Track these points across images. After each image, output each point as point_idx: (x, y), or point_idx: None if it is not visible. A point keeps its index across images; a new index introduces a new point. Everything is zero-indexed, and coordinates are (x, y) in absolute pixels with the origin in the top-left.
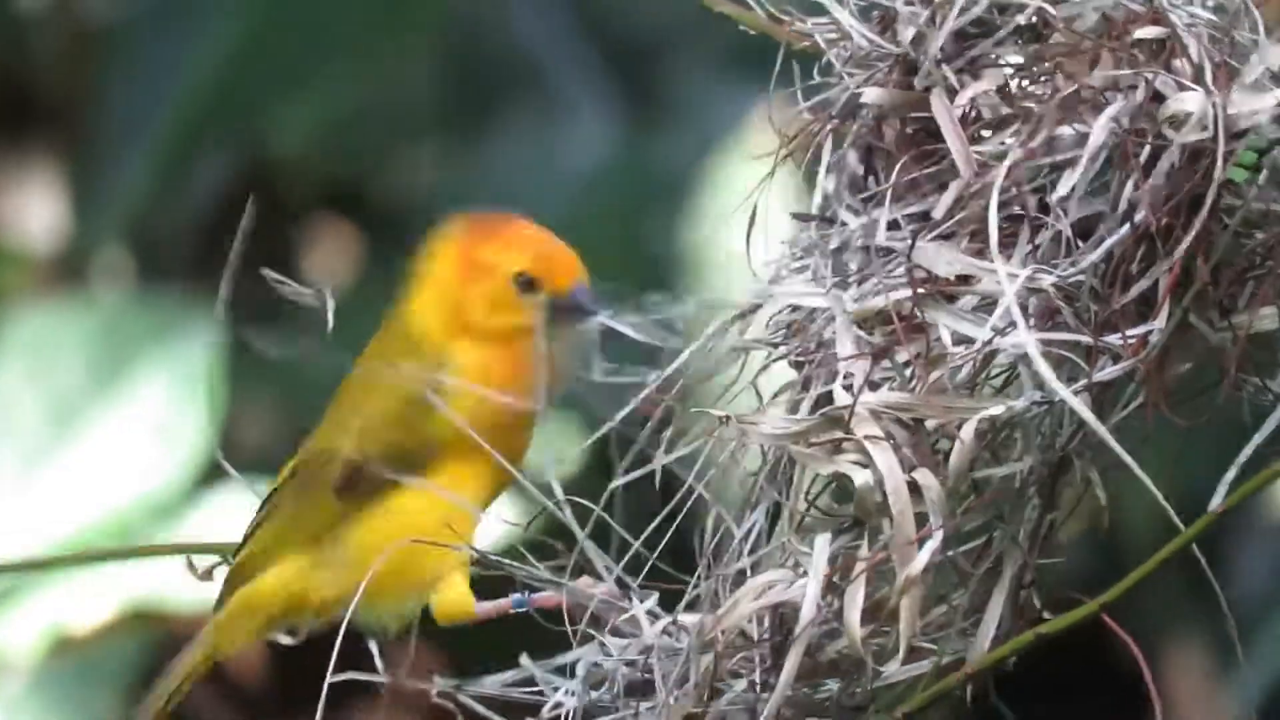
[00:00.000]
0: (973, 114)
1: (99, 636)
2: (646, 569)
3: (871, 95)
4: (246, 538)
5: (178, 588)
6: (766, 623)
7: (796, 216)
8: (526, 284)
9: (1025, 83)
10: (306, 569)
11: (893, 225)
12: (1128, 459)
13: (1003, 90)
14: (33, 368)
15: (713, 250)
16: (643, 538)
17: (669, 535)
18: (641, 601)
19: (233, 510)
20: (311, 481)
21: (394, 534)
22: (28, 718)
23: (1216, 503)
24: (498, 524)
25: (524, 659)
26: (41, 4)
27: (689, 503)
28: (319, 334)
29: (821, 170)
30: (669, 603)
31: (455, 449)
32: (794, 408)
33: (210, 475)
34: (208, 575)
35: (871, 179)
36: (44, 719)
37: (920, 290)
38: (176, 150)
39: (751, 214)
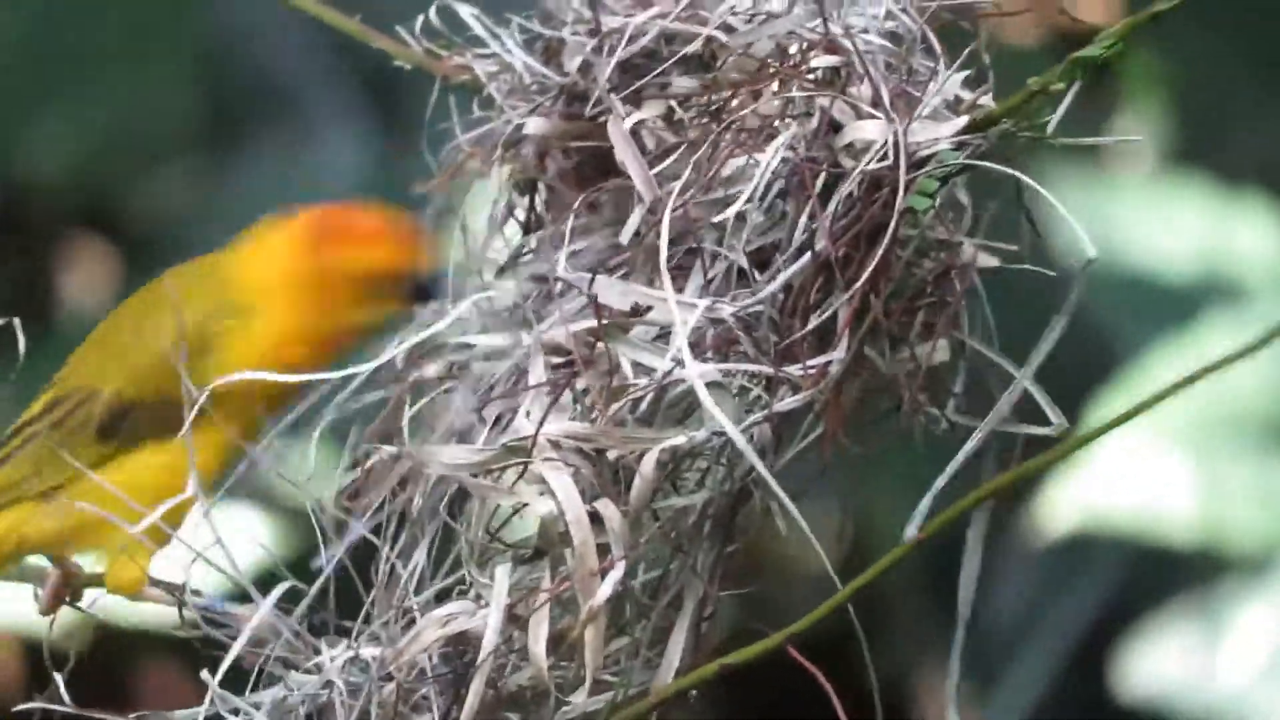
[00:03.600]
0: (638, 142)
1: None
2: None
3: (534, 126)
4: None
5: None
6: (444, 657)
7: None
8: (384, 282)
9: (694, 112)
10: (39, 510)
11: (562, 252)
12: (785, 499)
13: (669, 118)
14: None
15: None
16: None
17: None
18: (320, 636)
19: None
20: (68, 422)
21: (124, 486)
22: None
23: (910, 532)
24: (250, 545)
25: (214, 689)
26: None
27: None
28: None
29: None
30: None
31: (218, 404)
32: (468, 438)
33: None
34: None
35: (534, 212)
36: None
37: (602, 321)
38: None
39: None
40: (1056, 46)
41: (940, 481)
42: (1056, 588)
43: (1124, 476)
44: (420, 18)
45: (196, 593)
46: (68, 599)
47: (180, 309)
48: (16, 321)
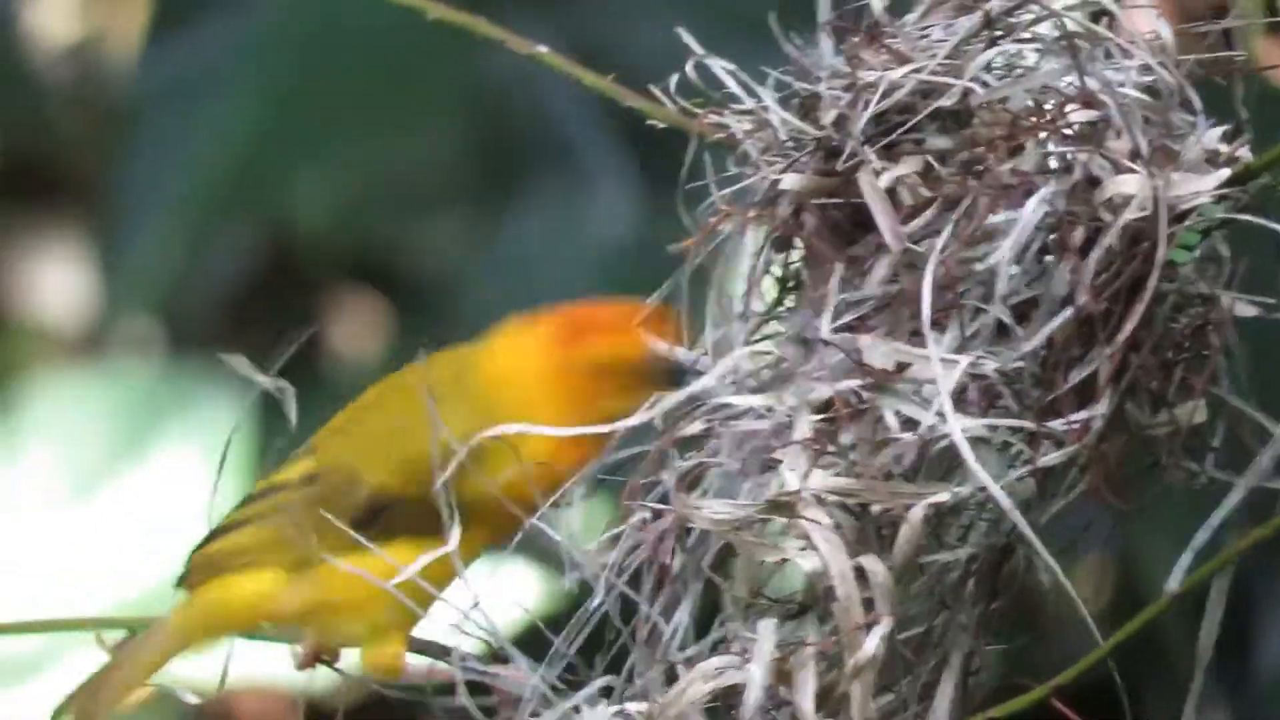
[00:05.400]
0: (894, 199)
1: (125, 713)
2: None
3: (790, 181)
4: (228, 525)
5: (202, 663)
6: (709, 716)
7: (731, 311)
8: (642, 368)
9: (951, 168)
10: (285, 584)
11: (825, 311)
12: (1045, 555)
13: (927, 174)
14: (54, 441)
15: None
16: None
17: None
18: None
19: None
20: (326, 502)
21: (380, 574)
22: None
23: (1172, 585)
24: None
25: None
26: (62, 78)
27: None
28: (343, 403)
29: (747, 262)
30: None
31: (474, 510)
32: (731, 494)
33: None
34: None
35: (797, 268)
36: None
37: (866, 380)
38: (199, 222)
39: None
40: None
41: (1201, 537)
42: None
43: None
44: (675, 76)
45: (463, 658)
46: (325, 659)
47: (442, 413)
48: (290, 389)
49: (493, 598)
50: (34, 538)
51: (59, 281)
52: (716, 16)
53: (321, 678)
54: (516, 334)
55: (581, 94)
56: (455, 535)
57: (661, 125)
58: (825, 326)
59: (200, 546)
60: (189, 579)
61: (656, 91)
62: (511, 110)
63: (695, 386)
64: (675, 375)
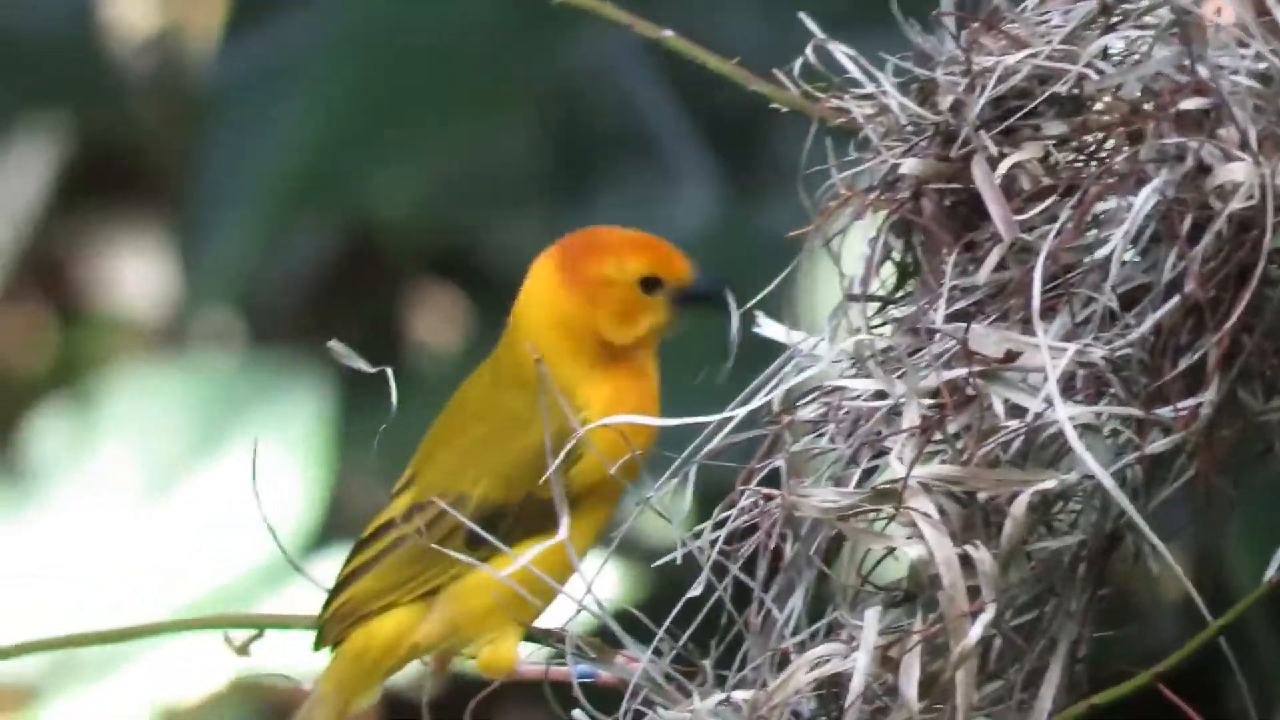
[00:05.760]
0: (1013, 184)
1: (204, 709)
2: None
3: (910, 166)
4: (350, 575)
5: (282, 658)
6: (815, 700)
7: (850, 298)
8: (651, 283)
9: (1067, 154)
10: (421, 616)
11: (938, 299)
12: (1156, 541)
13: (1043, 160)
14: (135, 433)
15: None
16: (674, 621)
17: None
18: (689, 680)
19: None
20: (438, 525)
21: (490, 583)
22: None
23: (1271, 573)
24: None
25: None
26: (142, 71)
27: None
28: (426, 396)
29: (866, 246)
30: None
31: (581, 500)
32: (840, 482)
33: (319, 540)
34: (244, 650)
35: (910, 254)
36: None
37: (974, 368)
38: (278, 215)
39: (808, 292)
40: None
41: None
42: None
43: None
44: (798, 60)
45: (577, 649)
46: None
47: (507, 402)
48: (389, 372)
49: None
50: (113, 532)
51: (139, 274)
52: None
53: (402, 672)
54: (529, 328)
55: (660, 87)
56: (566, 524)
57: (782, 110)
58: (937, 314)
59: (329, 603)
60: (327, 636)
61: (780, 75)
62: (591, 103)
63: (811, 369)
64: (690, 296)
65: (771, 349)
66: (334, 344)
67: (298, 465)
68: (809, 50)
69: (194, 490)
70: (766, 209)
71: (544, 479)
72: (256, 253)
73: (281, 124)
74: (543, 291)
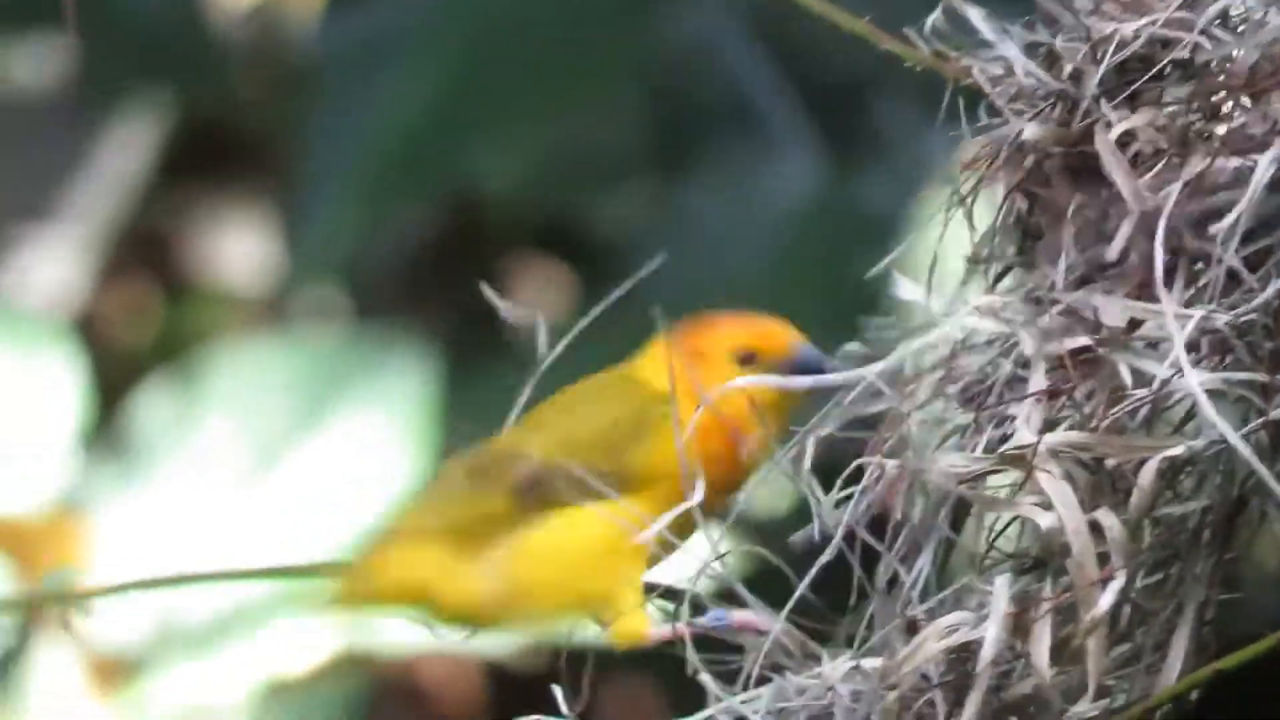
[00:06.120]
0: (1133, 150)
1: (312, 680)
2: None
3: (1032, 131)
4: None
5: (389, 629)
6: (945, 665)
7: (971, 260)
8: (746, 358)
9: (1186, 119)
10: (448, 562)
11: (1060, 266)
12: None
13: (1162, 125)
14: (239, 408)
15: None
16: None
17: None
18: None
19: None
20: (488, 476)
21: (563, 546)
22: None
23: None
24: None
25: (714, 690)
26: (243, 42)
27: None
28: (529, 367)
29: (994, 211)
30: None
31: (647, 485)
32: (965, 449)
33: None
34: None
35: (1032, 219)
36: None
37: (1100, 334)
38: (381, 189)
39: (933, 257)
40: None
41: None
42: None
43: None
44: (929, 19)
45: (698, 607)
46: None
47: (607, 400)
48: (540, 323)
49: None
50: (217, 506)
51: (243, 248)
52: None
53: (502, 644)
54: (658, 352)
55: (763, 59)
56: (700, 490)
57: (917, 69)
58: (1059, 282)
59: (376, 532)
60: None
61: (911, 35)
62: (693, 76)
63: (933, 334)
64: (798, 368)
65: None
66: (485, 287)
67: (402, 438)
68: (939, 10)
69: (298, 464)
70: (868, 181)
71: (616, 454)
72: (360, 227)
73: (384, 98)
74: (657, 360)
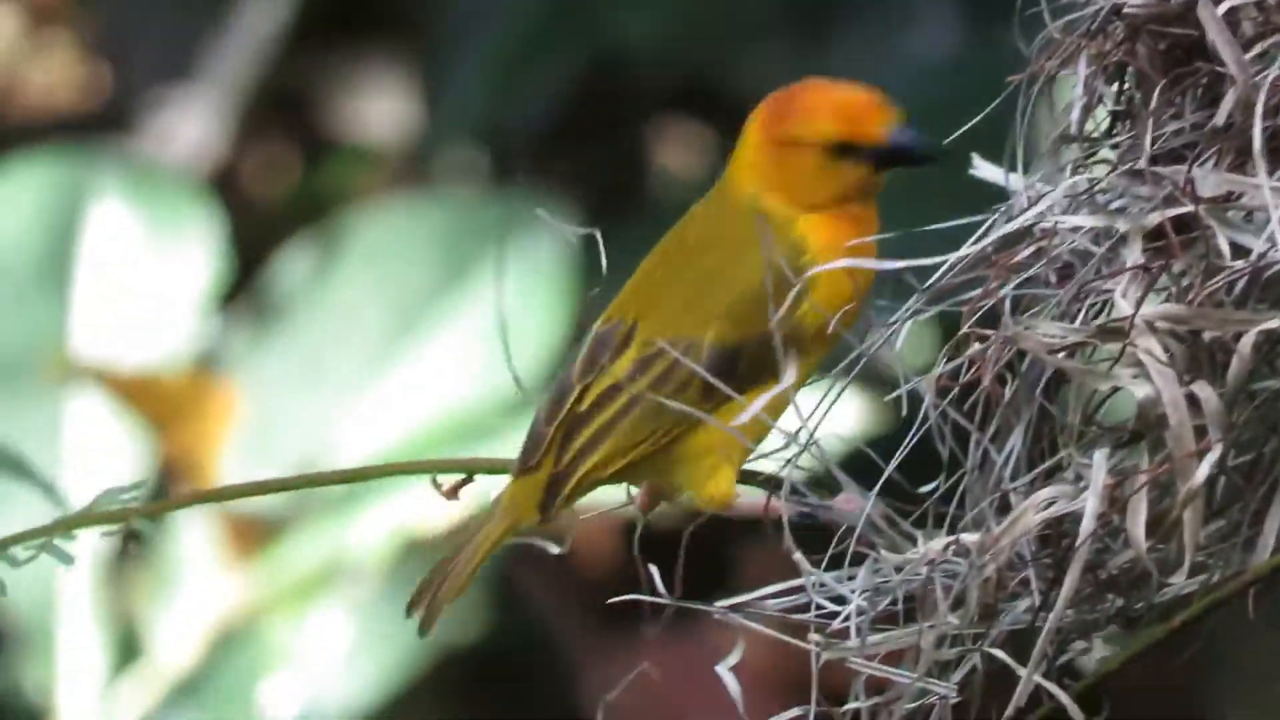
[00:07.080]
0: (1234, 28)
1: (449, 538)
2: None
3: (1128, 7)
4: (584, 448)
5: None
6: (1038, 544)
7: (1061, 138)
8: (841, 149)
9: None
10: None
11: (1155, 140)
12: None
13: (1263, 3)
14: (378, 267)
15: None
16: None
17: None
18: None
19: None
20: (672, 376)
21: (716, 432)
22: (378, 620)
23: None
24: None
25: (806, 567)
26: None
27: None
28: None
29: (1078, 89)
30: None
31: (810, 341)
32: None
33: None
34: (453, 494)
35: (1125, 95)
36: (394, 621)
37: (1197, 208)
38: (522, 47)
39: (1014, 133)
40: None
41: None
42: None
43: None
44: None
45: (795, 490)
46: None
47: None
48: (598, 234)
49: (816, 427)
50: (356, 364)
51: (382, 108)
52: None
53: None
54: (742, 174)
55: None
56: (793, 371)
57: None
58: (1154, 155)
59: (558, 483)
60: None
61: None
62: None
63: (1030, 211)
64: (888, 155)
65: (992, 193)
66: (542, 213)
67: (541, 298)
68: None
69: (438, 323)
70: (1005, 46)
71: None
72: (500, 87)
73: None
74: (746, 148)
